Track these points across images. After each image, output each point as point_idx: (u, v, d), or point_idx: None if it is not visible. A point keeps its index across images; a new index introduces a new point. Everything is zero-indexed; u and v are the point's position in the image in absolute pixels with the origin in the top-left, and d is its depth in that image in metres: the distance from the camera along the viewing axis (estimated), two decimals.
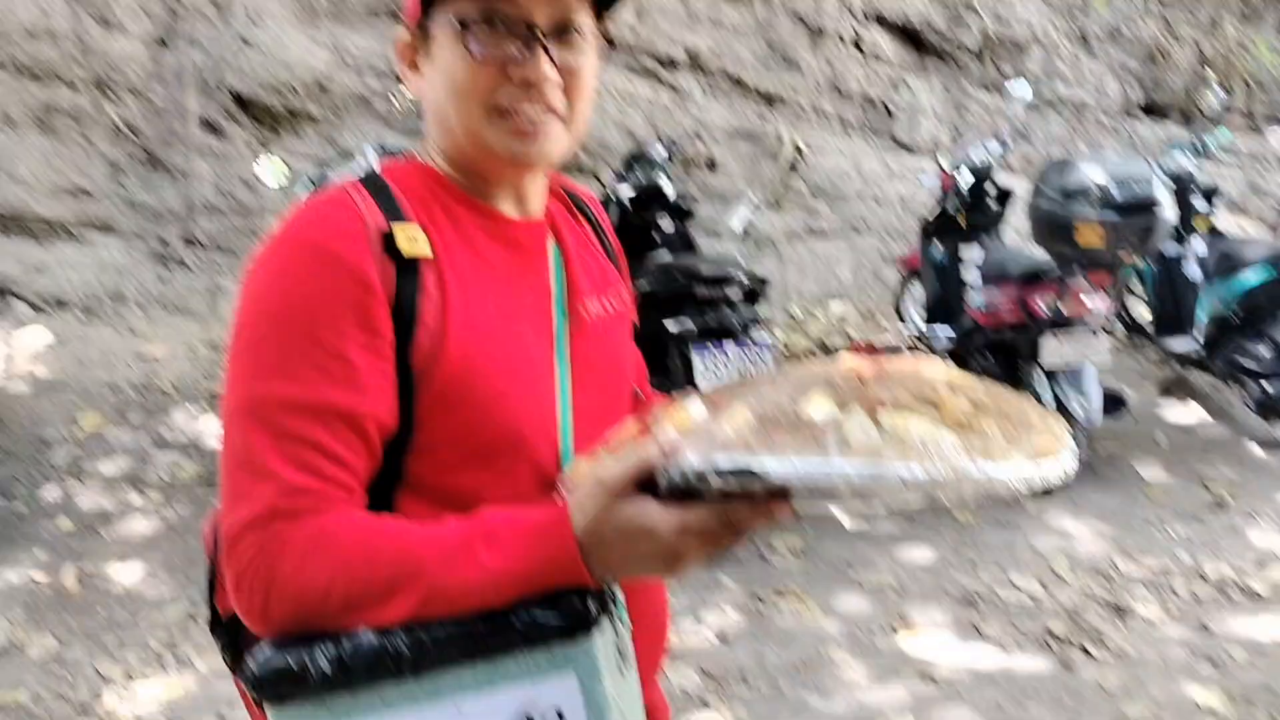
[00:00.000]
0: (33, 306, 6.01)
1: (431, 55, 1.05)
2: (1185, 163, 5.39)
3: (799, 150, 6.99)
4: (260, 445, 0.93)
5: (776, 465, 0.78)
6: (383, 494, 1.00)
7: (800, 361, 1.07)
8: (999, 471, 0.79)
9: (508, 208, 1.11)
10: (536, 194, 1.14)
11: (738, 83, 7.06)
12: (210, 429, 4.76)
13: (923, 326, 5.29)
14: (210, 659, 3.14)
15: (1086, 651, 3.20)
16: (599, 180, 5.68)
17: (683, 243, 4.71)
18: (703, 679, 3.05)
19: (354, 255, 0.97)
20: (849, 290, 6.99)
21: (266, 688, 0.88)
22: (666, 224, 4.57)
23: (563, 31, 1.03)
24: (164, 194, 6.31)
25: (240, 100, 6.35)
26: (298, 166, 6.07)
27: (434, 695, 0.87)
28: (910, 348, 5.79)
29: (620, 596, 0.95)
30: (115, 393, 5.11)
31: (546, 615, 0.87)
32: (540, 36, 1.01)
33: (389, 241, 0.98)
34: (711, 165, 6.95)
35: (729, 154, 6.97)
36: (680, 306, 3.71)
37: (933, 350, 5.43)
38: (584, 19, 1.05)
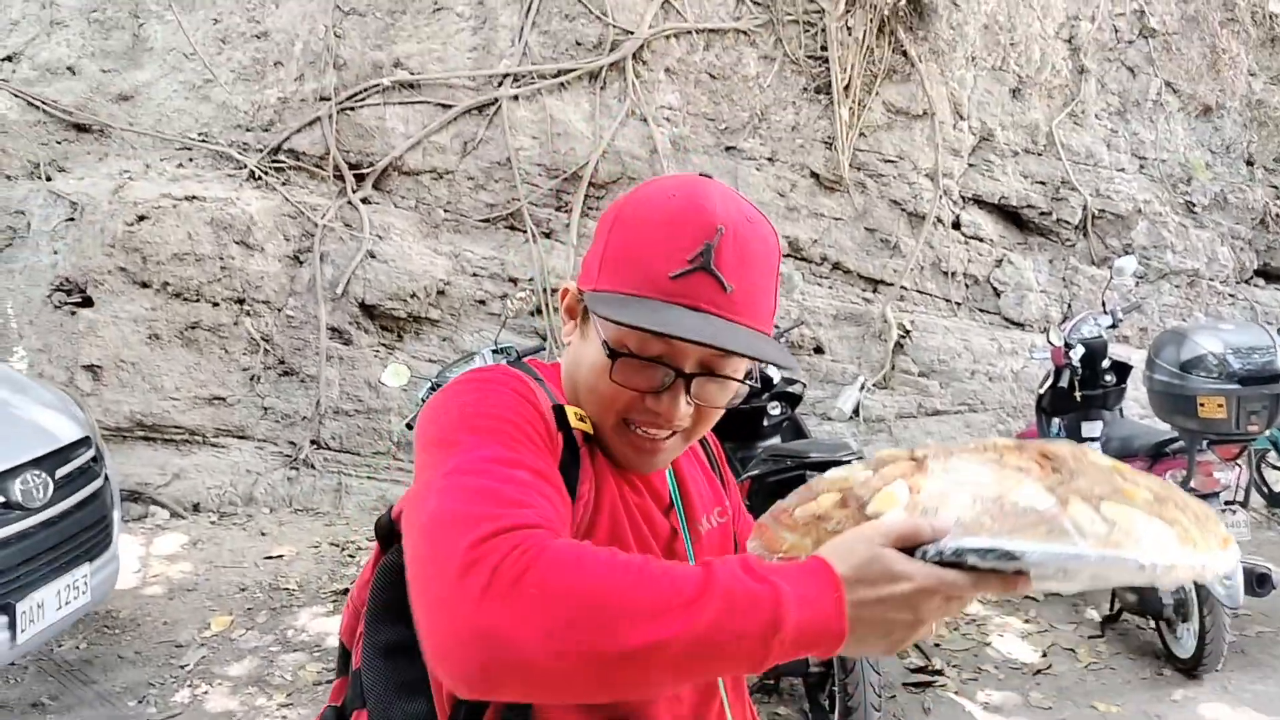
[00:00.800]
0: (171, 512, 6.32)
1: (586, 334, 1.10)
2: None
3: (905, 331, 7.02)
4: (494, 484, 0.90)
5: (1032, 549, 0.85)
6: None
7: (958, 443, 1.13)
8: (1209, 560, 0.88)
9: None
10: None
11: (839, 268, 7.19)
12: (332, 628, 4.82)
13: None
14: None
15: None
16: None
17: (792, 427, 4.73)
18: None
19: (540, 403, 1.03)
20: None
21: None
22: (775, 409, 4.60)
23: (709, 370, 1.07)
24: (294, 400, 6.65)
25: (366, 308, 6.74)
26: (418, 367, 6.36)
27: None
28: None
29: None
30: (244, 594, 5.26)
31: None
32: (684, 381, 1.05)
33: (559, 413, 1.04)
34: (819, 349, 7.01)
35: (835, 337, 7.03)
36: (791, 491, 3.69)
37: None
38: (731, 361, 1.07)
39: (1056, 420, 5.07)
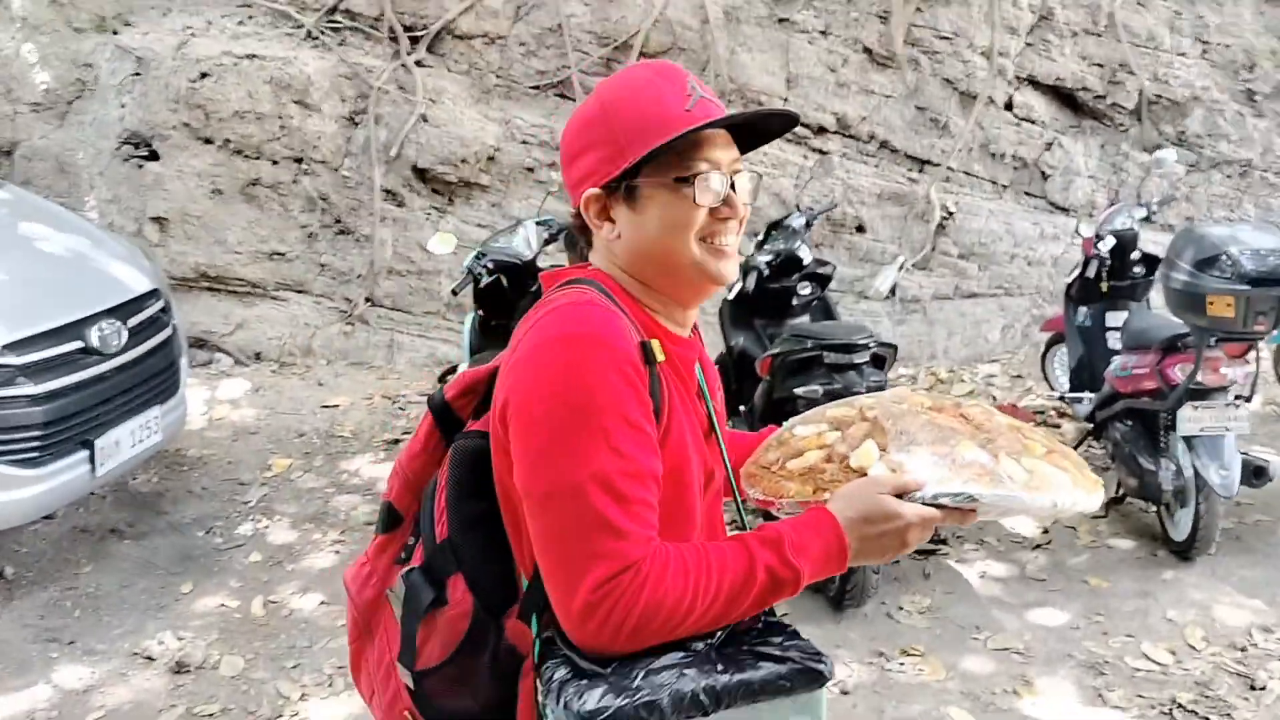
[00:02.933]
0: (234, 359, 6.70)
1: (640, 208, 1.29)
2: None
3: (948, 212, 7.07)
4: (609, 511, 1.15)
5: (985, 493, 1.23)
6: None
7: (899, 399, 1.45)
8: (1091, 501, 1.30)
9: (678, 328, 1.38)
10: (692, 316, 1.42)
11: (886, 146, 7.20)
12: (383, 474, 5.20)
13: (1066, 391, 5.29)
14: None
15: None
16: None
17: (821, 307, 4.90)
18: None
19: (628, 346, 1.22)
20: (997, 351, 6.98)
21: None
22: (805, 289, 4.76)
23: (735, 174, 1.33)
24: (350, 258, 6.93)
25: (419, 172, 6.93)
26: (468, 233, 6.58)
27: None
28: (1058, 412, 5.77)
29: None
30: (302, 439, 5.65)
31: (797, 674, 1.18)
32: (731, 180, 1.31)
33: (645, 348, 1.24)
34: (860, 228, 7.10)
35: (877, 216, 7.10)
36: (810, 371, 3.91)
37: (1074, 416, 5.41)
38: (739, 163, 1.36)
39: (1083, 309, 5.19)
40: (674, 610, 1.15)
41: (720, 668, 1.16)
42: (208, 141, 6.78)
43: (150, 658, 3.66)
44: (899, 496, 1.23)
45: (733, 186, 1.30)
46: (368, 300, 6.93)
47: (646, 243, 1.30)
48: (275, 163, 6.83)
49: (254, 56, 6.79)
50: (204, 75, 6.72)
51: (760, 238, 4.96)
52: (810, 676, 1.18)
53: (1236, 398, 4.16)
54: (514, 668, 1.28)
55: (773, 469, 1.38)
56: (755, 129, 1.37)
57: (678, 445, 1.27)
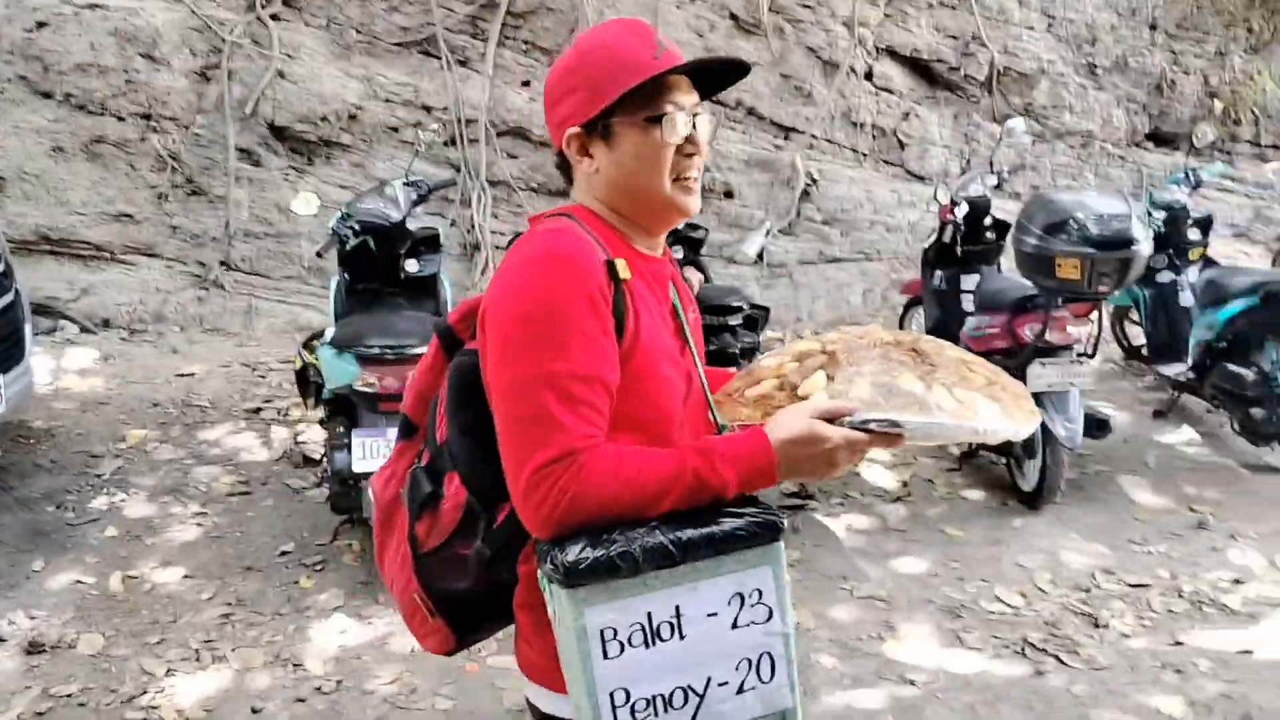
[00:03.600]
0: (80, 327, 6.37)
1: (615, 144, 1.44)
2: (1179, 194, 5.59)
3: (812, 179, 7.23)
4: (555, 407, 1.30)
5: (910, 419, 1.31)
6: None
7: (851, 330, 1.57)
8: (1021, 427, 1.38)
9: (649, 249, 1.52)
10: (662, 239, 1.57)
11: (754, 114, 7.31)
12: (244, 443, 5.04)
13: None
14: (244, 656, 3.42)
15: (1060, 660, 3.41)
16: None
17: (695, 270, 4.96)
18: None
19: (593, 268, 1.35)
20: (859, 314, 7.20)
21: (576, 574, 1.22)
22: (678, 253, 4.82)
23: (696, 115, 1.46)
24: (204, 220, 6.65)
25: (276, 130, 6.69)
26: (330, 193, 6.39)
27: (681, 580, 1.26)
28: None
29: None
30: (157, 408, 5.42)
31: (756, 527, 1.28)
32: (693, 119, 1.45)
33: (610, 267, 1.37)
34: (728, 194, 7.20)
35: (745, 183, 7.22)
36: None
37: None
38: (700, 107, 1.49)
39: (939, 272, 5.40)
40: (602, 497, 1.28)
41: (688, 524, 1.28)
42: (47, 96, 6.38)
43: (0, 639, 3.48)
44: (831, 421, 1.33)
45: (695, 126, 1.45)
46: (223, 264, 6.67)
47: (621, 176, 1.46)
48: (121, 119, 6.48)
49: (96, 6, 6.41)
50: (41, 25, 6.32)
51: None
52: (768, 528, 1.29)
53: (1080, 355, 4.42)
54: (505, 554, 1.45)
55: (733, 396, 1.51)
56: (714, 75, 1.51)
57: (647, 351, 1.40)
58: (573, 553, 1.23)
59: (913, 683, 3.29)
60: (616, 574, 1.23)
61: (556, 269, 1.35)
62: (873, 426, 1.32)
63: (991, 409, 1.38)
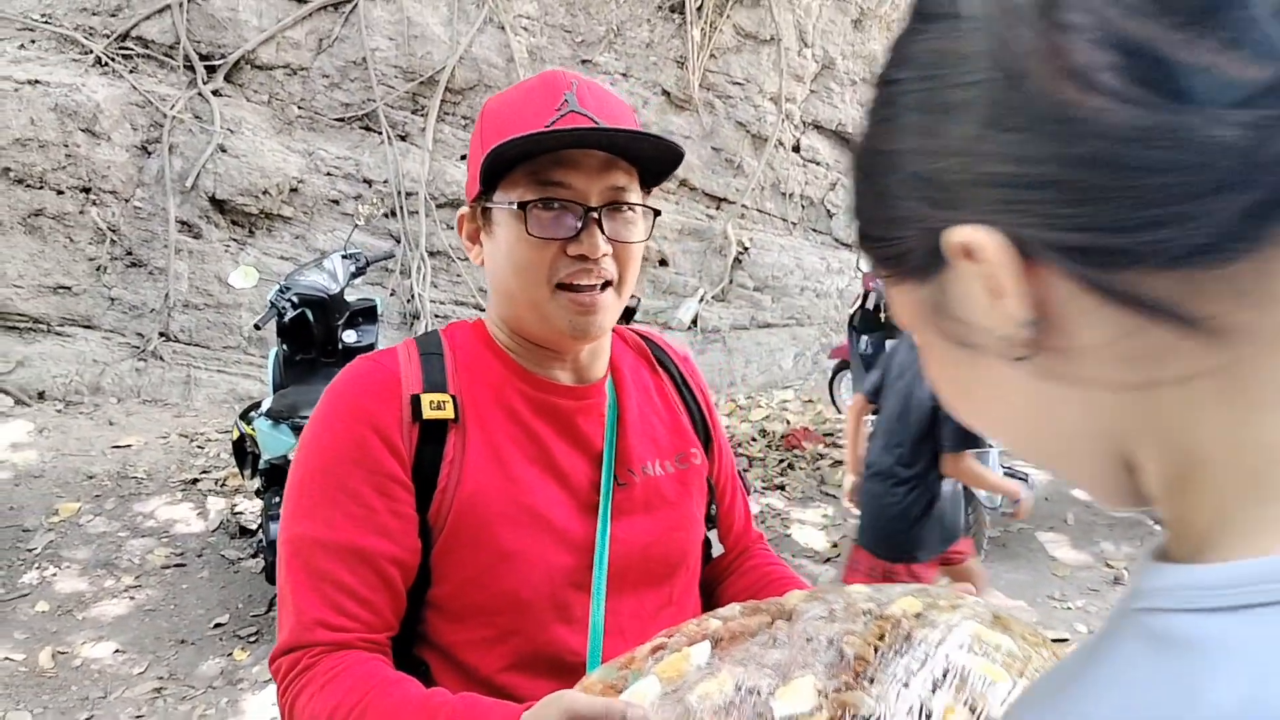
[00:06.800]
0: (15, 399, 6.33)
1: (493, 232, 1.12)
2: None
3: (744, 247, 7.45)
4: (294, 581, 1.06)
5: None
6: (405, 650, 1.12)
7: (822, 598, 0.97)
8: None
9: (562, 374, 1.18)
10: (597, 359, 1.21)
11: (686, 185, 7.54)
12: (180, 515, 5.05)
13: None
14: None
15: None
16: None
17: None
18: None
19: (381, 412, 1.08)
20: (791, 378, 7.40)
21: None
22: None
23: (614, 206, 1.09)
24: (143, 291, 6.68)
25: (217, 203, 6.77)
26: (271, 264, 6.47)
27: None
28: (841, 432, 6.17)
29: None
30: (91, 481, 5.40)
31: None
32: (595, 214, 1.07)
33: (415, 405, 1.09)
34: (663, 262, 7.39)
35: (679, 251, 7.42)
36: None
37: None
38: (633, 194, 1.12)
39: (865, 338, 5.60)
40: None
41: None
42: None
43: None
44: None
45: (600, 223, 1.07)
46: (162, 335, 6.69)
47: (497, 275, 1.15)
48: (60, 192, 6.53)
49: (37, 82, 6.48)
50: None
51: None
52: None
53: None
54: None
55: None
56: (653, 157, 1.12)
57: (475, 513, 1.09)
58: None
59: None
60: None
61: (326, 411, 1.12)
62: None
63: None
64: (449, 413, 1.09)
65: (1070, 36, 0.39)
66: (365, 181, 7.02)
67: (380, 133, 7.06)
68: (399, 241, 7.04)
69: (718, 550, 1.38)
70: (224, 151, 6.72)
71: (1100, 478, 0.50)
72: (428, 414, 1.08)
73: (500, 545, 1.08)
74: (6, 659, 3.84)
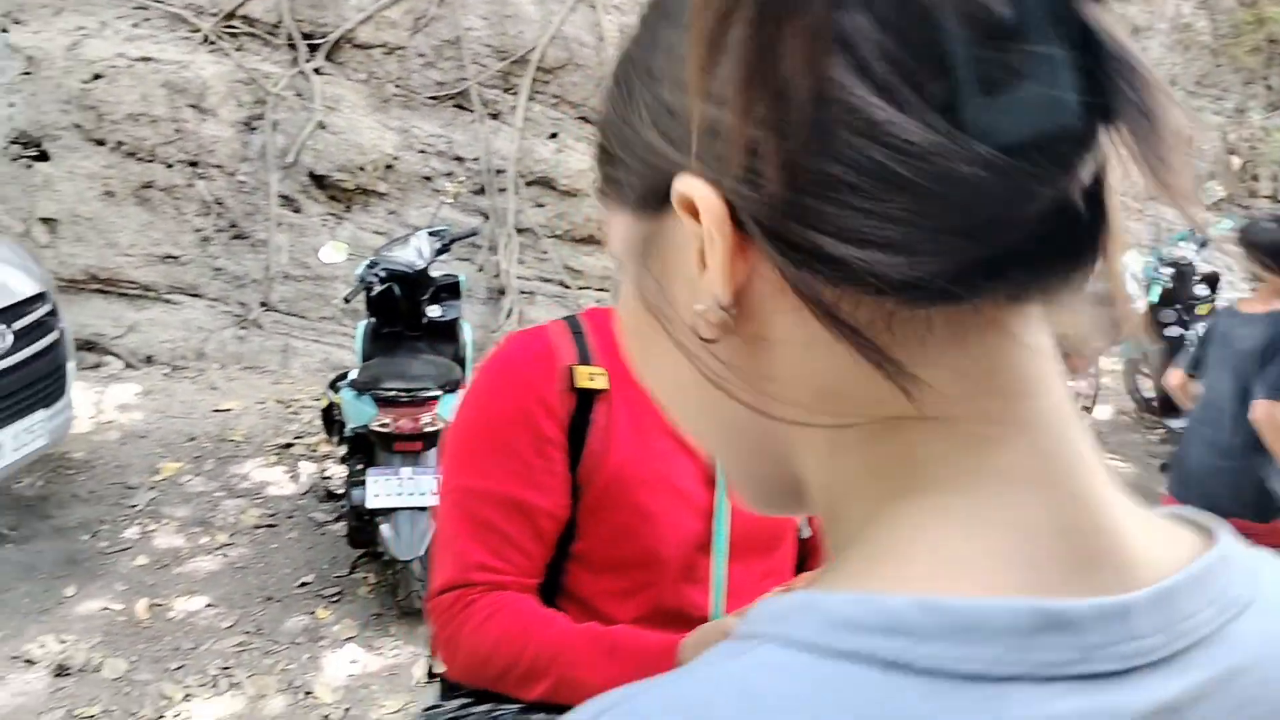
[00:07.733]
0: (125, 363, 6.68)
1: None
2: (1186, 251, 5.69)
3: None
4: (457, 527, 1.21)
5: None
6: (546, 601, 1.25)
7: None
8: None
9: None
10: None
11: None
12: (273, 478, 5.28)
13: None
14: (259, 683, 3.61)
15: None
16: None
17: None
18: None
19: (535, 376, 1.21)
20: None
21: None
22: None
23: None
24: (245, 262, 6.95)
25: (316, 178, 6.99)
26: (364, 239, 6.67)
27: None
28: None
29: None
30: (192, 443, 5.68)
31: None
32: None
33: (571, 375, 1.22)
34: None
35: None
36: None
37: None
38: None
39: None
40: (472, 654, 1.19)
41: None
42: (100, 143, 6.74)
43: (31, 661, 3.70)
44: None
45: None
46: (262, 305, 6.96)
47: None
48: (169, 166, 6.82)
49: (149, 59, 6.77)
50: (97, 76, 6.68)
51: None
52: None
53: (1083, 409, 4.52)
54: None
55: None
56: None
57: (620, 478, 1.21)
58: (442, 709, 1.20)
59: None
60: None
61: (490, 377, 1.25)
62: None
63: None
64: (600, 384, 1.22)
65: (848, 14, 0.34)
66: (457, 159, 7.16)
67: (472, 111, 7.19)
68: (487, 218, 7.18)
69: (805, 534, 1.47)
70: (323, 128, 6.93)
71: (756, 482, 0.47)
72: (581, 384, 1.21)
73: (642, 507, 1.20)
74: (106, 608, 4.09)
